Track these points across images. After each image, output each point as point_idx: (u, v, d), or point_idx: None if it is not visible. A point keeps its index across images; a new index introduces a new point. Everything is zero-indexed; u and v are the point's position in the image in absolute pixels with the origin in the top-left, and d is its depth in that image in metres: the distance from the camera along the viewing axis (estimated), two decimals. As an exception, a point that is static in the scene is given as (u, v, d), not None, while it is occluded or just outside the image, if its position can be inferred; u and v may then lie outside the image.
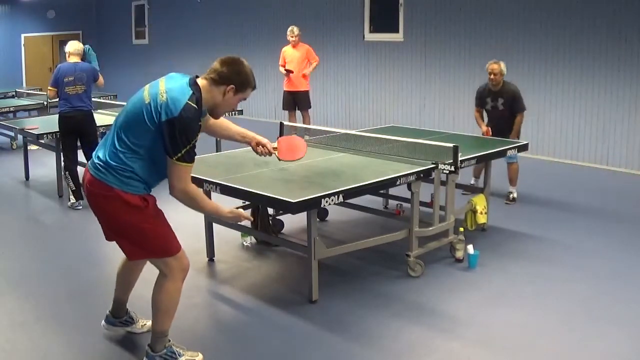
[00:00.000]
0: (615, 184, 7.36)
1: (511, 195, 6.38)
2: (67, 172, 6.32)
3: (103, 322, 3.62)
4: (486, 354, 3.44)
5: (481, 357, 3.42)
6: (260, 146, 3.63)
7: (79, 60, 6.34)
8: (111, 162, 2.92)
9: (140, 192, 3.03)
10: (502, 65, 6.24)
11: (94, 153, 3.06)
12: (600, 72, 7.92)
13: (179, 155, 2.83)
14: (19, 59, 15.75)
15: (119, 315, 3.62)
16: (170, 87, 2.87)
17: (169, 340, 3.30)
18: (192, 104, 2.84)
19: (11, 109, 9.57)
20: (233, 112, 8.52)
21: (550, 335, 3.63)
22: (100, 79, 6.49)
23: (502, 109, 6.29)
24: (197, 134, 2.88)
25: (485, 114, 6.54)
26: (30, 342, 3.59)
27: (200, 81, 2.98)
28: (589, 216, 5.98)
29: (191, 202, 2.99)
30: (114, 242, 3.20)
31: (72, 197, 6.30)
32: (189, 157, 2.88)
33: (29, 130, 6.81)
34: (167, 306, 3.17)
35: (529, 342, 3.55)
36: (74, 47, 6.37)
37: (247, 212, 3.32)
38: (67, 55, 6.38)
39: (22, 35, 15.75)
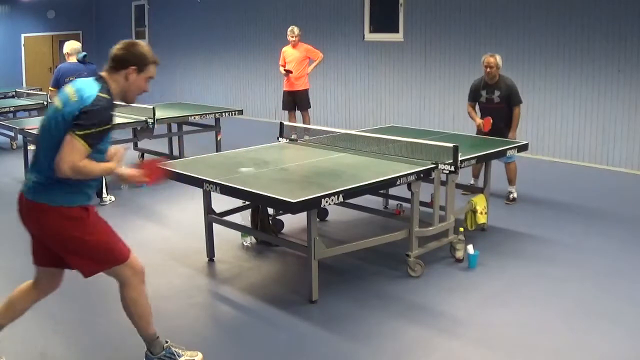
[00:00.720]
0: (615, 184, 7.36)
1: (511, 195, 6.37)
2: None
3: None
4: (486, 354, 3.44)
5: (481, 356, 3.42)
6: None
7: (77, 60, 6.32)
8: (52, 179, 2.85)
9: (83, 202, 2.98)
10: (498, 58, 6.21)
11: (27, 176, 2.98)
12: (601, 72, 7.92)
13: (85, 132, 2.77)
14: (19, 59, 15.75)
15: None
16: (78, 87, 2.90)
17: (167, 342, 3.30)
18: (103, 95, 2.87)
19: (11, 109, 9.56)
20: (233, 113, 8.53)
21: (550, 334, 3.63)
22: None
23: (497, 102, 6.25)
24: (108, 123, 2.88)
25: (478, 110, 6.50)
26: (30, 342, 3.59)
27: (104, 74, 2.99)
28: (588, 216, 5.98)
29: (81, 173, 2.82)
30: (114, 243, 3.16)
31: None
32: (91, 140, 2.81)
33: (29, 130, 6.81)
34: (139, 313, 3.15)
35: (528, 342, 3.55)
36: (71, 47, 6.33)
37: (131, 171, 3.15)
38: (65, 56, 6.35)
39: (22, 35, 15.75)
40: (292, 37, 9.17)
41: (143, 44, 3.03)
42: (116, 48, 3.00)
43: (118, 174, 3.08)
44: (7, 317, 3.20)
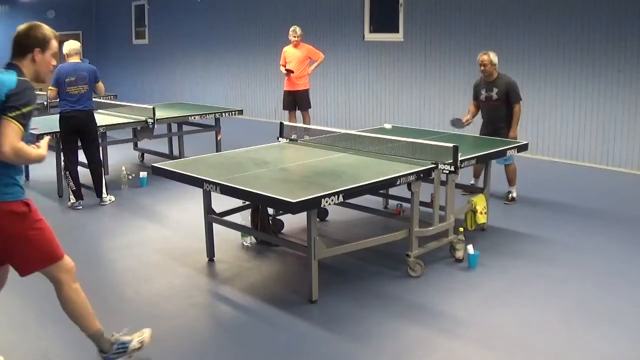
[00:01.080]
0: (615, 184, 7.36)
1: (510, 195, 6.37)
2: (67, 172, 6.31)
3: None
4: (486, 354, 3.44)
5: (481, 356, 3.42)
6: None
7: (79, 60, 6.31)
8: None
9: (20, 196, 2.98)
10: (492, 55, 6.20)
11: None
12: (600, 72, 7.92)
13: (17, 113, 2.85)
14: (19, 59, 15.75)
15: None
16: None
17: (112, 335, 3.26)
18: (22, 78, 2.98)
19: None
20: (233, 113, 8.53)
21: (550, 334, 3.63)
22: (101, 85, 6.39)
23: (496, 99, 6.23)
24: (34, 102, 2.98)
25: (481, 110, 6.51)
26: (30, 342, 3.59)
27: (14, 62, 3.05)
28: (588, 216, 5.98)
29: (21, 155, 2.88)
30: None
31: (72, 197, 6.30)
32: (24, 119, 2.89)
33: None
34: (79, 311, 3.14)
35: (528, 342, 3.55)
36: (71, 47, 6.33)
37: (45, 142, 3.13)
38: (65, 56, 6.34)
39: (22, 35, 15.74)
40: (295, 36, 9.15)
41: (39, 24, 3.12)
42: (17, 35, 3.07)
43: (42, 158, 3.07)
44: None
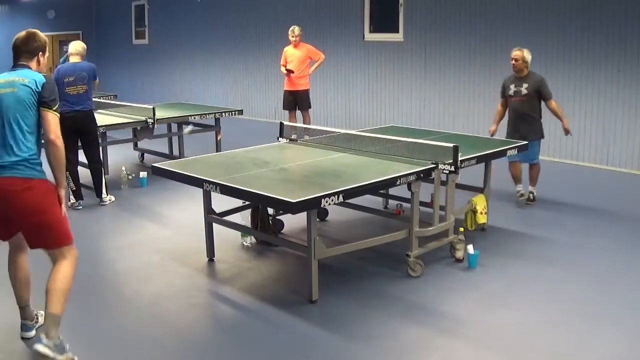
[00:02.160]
0: (615, 184, 7.36)
1: (532, 195, 6.34)
2: (67, 173, 6.30)
3: (24, 333, 3.58)
4: (486, 354, 3.44)
5: (481, 356, 3.42)
6: None
7: (80, 60, 6.30)
8: (23, 154, 3.27)
9: (45, 176, 3.35)
10: (525, 52, 6.20)
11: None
12: (601, 72, 7.92)
13: (56, 106, 3.37)
14: (19, 59, 15.75)
15: (32, 317, 3.64)
16: (24, 75, 3.38)
17: (60, 335, 3.27)
18: (45, 74, 3.50)
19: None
20: (233, 113, 8.53)
21: (550, 335, 3.63)
22: (96, 82, 6.43)
23: (525, 93, 6.18)
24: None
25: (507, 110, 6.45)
26: (30, 342, 3.58)
27: (25, 64, 3.49)
28: (589, 216, 5.98)
29: (61, 150, 3.31)
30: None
31: (72, 197, 6.30)
32: (58, 110, 3.41)
33: None
34: (67, 288, 3.35)
35: (528, 342, 3.55)
36: (74, 47, 6.34)
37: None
38: (69, 56, 6.37)
39: (22, 35, 15.74)
40: (293, 36, 9.16)
41: (36, 32, 3.57)
42: (22, 42, 3.48)
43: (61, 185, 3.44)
44: (27, 289, 3.59)
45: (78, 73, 6.16)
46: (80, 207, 6.27)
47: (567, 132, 6.32)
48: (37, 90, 3.31)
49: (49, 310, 3.25)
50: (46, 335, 3.22)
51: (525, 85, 6.18)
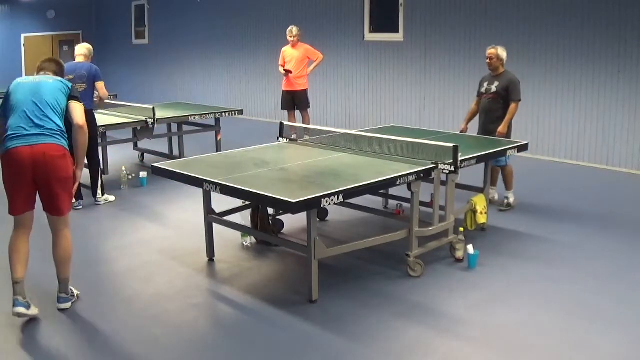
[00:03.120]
0: (615, 184, 7.36)
1: (506, 201, 6.12)
2: None
3: (19, 309, 3.66)
4: (486, 354, 3.44)
5: (481, 356, 3.42)
6: None
7: (83, 60, 6.34)
8: (57, 127, 3.84)
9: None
10: (500, 49, 6.10)
11: (29, 125, 3.79)
12: (600, 72, 7.92)
13: (77, 96, 4.07)
14: (19, 59, 15.73)
15: (24, 294, 3.74)
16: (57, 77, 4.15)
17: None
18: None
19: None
20: (233, 113, 8.53)
21: (550, 335, 3.63)
22: (101, 86, 6.31)
23: (494, 91, 6.09)
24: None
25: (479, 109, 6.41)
26: (30, 342, 3.59)
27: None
28: (588, 216, 5.97)
29: (85, 135, 3.97)
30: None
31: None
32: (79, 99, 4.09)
33: None
34: (71, 254, 3.96)
35: (528, 342, 3.55)
36: (79, 47, 6.48)
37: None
38: (75, 57, 6.47)
39: (22, 35, 15.74)
40: (291, 37, 9.14)
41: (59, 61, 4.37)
42: (55, 65, 4.27)
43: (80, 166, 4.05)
44: (25, 266, 3.82)
45: (78, 72, 6.19)
46: (80, 207, 6.27)
47: (498, 134, 6.03)
48: (68, 86, 4.03)
49: (64, 275, 3.93)
50: (67, 294, 3.95)
51: (496, 84, 6.09)
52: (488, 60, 6.15)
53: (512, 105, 6.05)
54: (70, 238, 3.94)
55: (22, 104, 3.84)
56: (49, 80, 3.99)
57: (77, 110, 3.94)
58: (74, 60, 6.42)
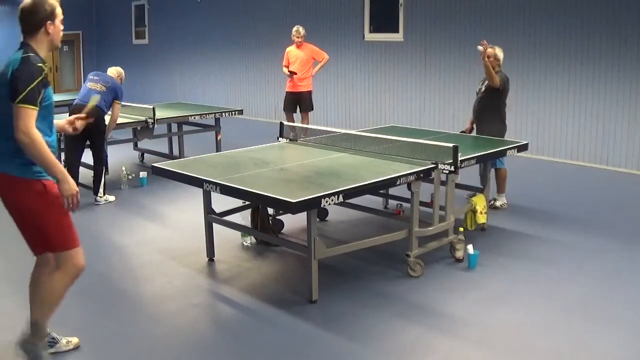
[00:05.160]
0: (615, 184, 7.36)
1: (493, 203, 6.02)
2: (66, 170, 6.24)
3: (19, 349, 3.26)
4: (486, 354, 3.44)
5: (481, 357, 3.42)
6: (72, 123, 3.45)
7: (113, 76, 6.61)
8: (7, 149, 2.97)
9: (40, 176, 3.04)
10: (497, 49, 6.07)
11: None
12: (600, 72, 7.92)
13: (21, 97, 2.89)
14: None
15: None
16: (7, 62, 3.07)
17: (49, 334, 3.29)
18: (28, 55, 3.03)
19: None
20: (233, 112, 8.52)
21: (550, 335, 3.63)
22: (118, 109, 6.49)
23: (483, 90, 6.09)
24: (38, 79, 2.96)
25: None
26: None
27: (28, 41, 3.15)
28: (588, 216, 5.97)
29: (30, 145, 2.90)
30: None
31: None
32: (32, 99, 2.92)
33: None
34: (53, 301, 3.16)
35: (528, 342, 3.55)
36: (112, 69, 6.74)
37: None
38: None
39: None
40: (298, 37, 8.92)
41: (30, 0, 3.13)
42: (24, 13, 3.14)
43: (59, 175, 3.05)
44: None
45: (106, 78, 6.47)
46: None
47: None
48: (9, 78, 2.95)
49: (35, 317, 3.17)
50: (32, 341, 3.17)
51: (486, 83, 6.05)
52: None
53: (495, 81, 5.89)
54: (57, 285, 3.16)
55: None
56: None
57: (15, 116, 2.89)
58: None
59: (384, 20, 10.34)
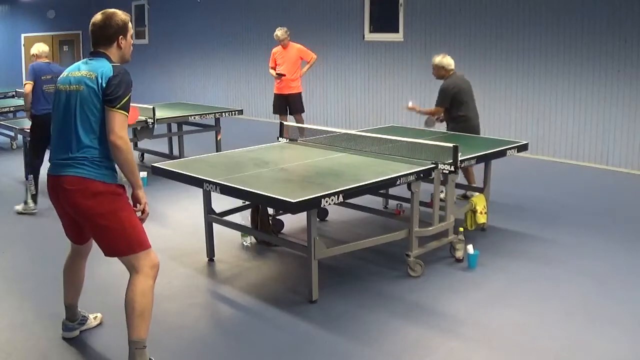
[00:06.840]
0: (615, 184, 7.37)
1: (468, 193, 6.10)
2: (32, 175, 6.13)
3: (64, 333, 3.59)
4: (486, 354, 3.44)
5: (481, 356, 3.42)
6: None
7: (50, 61, 6.37)
8: (84, 153, 3.04)
9: (109, 179, 3.11)
10: (437, 58, 6.22)
11: (53, 154, 3.14)
12: (600, 72, 7.92)
13: (121, 103, 3.00)
14: (19, 59, 15.74)
15: (75, 318, 3.61)
16: (92, 66, 3.08)
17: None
18: (116, 64, 3.10)
19: (11, 109, 9.55)
20: (233, 112, 8.53)
21: (550, 335, 3.63)
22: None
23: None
24: (131, 88, 3.09)
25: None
26: (30, 342, 3.59)
27: (102, 51, 3.16)
28: (588, 216, 5.97)
29: (123, 151, 3.02)
30: (140, 226, 3.19)
31: (30, 201, 6.07)
32: (127, 107, 3.05)
33: (28, 130, 6.81)
34: (143, 307, 3.06)
35: (528, 342, 3.55)
36: (41, 48, 6.48)
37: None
38: (34, 56, 6.42)
39: (22, 35, 15.73)
40: (282, 38, 8.79)
41: (113, 12, 3.15)
42: (98, 27, 3.13)
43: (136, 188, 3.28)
44: (76, 292, 3.54)
45: (55, 73, 6.13)
46: (36, 210, 6.07)
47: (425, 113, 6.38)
48: (102, 86, 2.99)
49: (129, 336, 3.06)
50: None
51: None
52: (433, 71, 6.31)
53: (434, 109, 6.28)
54: (142, 288, 3.08)
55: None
56: (80, 88, 3.07)
57: (111, 122, 3.00)
58: (35, 60, 6.49)
59: (384, 20, 10.34)
